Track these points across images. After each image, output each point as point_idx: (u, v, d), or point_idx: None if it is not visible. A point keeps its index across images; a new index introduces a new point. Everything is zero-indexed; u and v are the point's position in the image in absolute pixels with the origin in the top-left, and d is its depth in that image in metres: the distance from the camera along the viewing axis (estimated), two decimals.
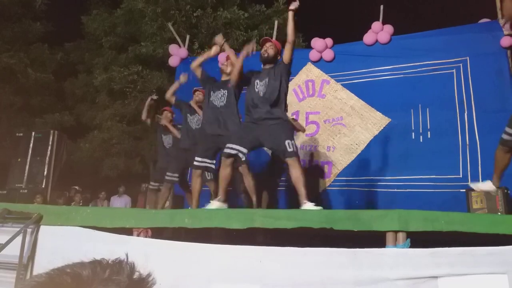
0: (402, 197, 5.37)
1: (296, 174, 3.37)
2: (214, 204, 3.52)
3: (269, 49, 3.73)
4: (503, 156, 3.14)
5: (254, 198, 4.31)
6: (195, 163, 4.10)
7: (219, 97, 4.15)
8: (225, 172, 3.56)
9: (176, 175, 5.04)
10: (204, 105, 4.34)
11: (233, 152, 3.50)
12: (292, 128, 3.92)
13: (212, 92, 4.20)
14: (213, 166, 4.19)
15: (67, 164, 7.49)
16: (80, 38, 13.80)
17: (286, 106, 3.74)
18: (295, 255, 2.44)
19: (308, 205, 3.29)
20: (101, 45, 12.86)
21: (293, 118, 5.40)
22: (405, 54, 5.99)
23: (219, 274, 2.50)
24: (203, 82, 4.32)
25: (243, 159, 3.68)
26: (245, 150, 3.54)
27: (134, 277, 0.54)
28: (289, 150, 3.37)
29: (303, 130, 5.67)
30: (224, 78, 4.31)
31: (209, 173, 4.69)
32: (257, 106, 3.58)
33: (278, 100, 3.59)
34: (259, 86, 3.66)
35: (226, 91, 4.12)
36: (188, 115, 5.00)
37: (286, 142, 3.39)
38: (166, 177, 5.04)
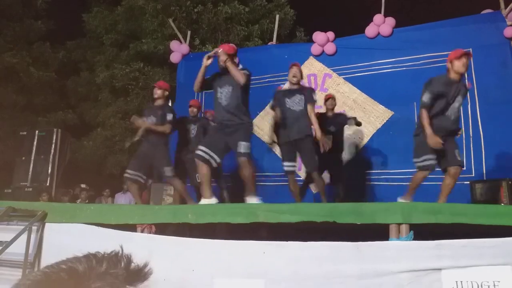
0: (405, 190, 5.35)
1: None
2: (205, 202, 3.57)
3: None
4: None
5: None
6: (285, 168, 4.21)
7: (296, 102, 4.19)
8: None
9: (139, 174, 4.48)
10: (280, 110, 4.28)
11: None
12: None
13: (287, 99, 4.20)
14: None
15: (71, 162, 7.52)
16: (81, 36, 13.81)
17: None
18: (299, 249, 2.45)
19: (253, 199, 3.47)
20: (103, 42, 12.85)
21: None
22: (407, 46, 5.95)
23: (223, 269, 2.51)
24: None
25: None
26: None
27: (131, 268, 0.54)
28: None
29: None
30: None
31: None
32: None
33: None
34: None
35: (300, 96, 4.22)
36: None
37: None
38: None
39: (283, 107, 4.20)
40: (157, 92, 4.54)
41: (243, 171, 3.54)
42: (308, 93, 4.20)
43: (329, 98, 5.25)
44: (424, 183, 5.38)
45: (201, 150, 3.55)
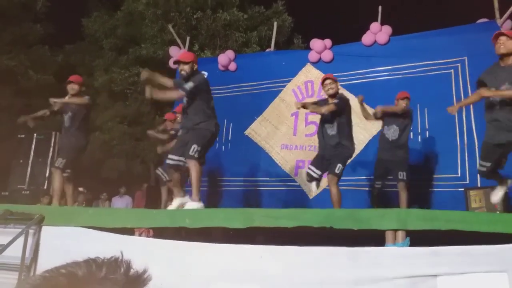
0: None
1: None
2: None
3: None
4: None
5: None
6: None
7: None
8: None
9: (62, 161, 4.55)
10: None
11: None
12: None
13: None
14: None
15: None
16: (80, 40, 13.83)
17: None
18: (295, 255, 2.46)
19: (192, 204, 3.56)
20: (102, 47, 12.89)
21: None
22: (403, 54, 6.01)
23: (219, 273, 2.52)
24: None
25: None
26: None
27: (131, 274, 0.54)
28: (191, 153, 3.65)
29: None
30: None
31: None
32: None
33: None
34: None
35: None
36: None
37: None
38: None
39: None
40: (75, 88, 4.62)
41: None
42: None
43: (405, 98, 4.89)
44: (417, 189, 5.43)
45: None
